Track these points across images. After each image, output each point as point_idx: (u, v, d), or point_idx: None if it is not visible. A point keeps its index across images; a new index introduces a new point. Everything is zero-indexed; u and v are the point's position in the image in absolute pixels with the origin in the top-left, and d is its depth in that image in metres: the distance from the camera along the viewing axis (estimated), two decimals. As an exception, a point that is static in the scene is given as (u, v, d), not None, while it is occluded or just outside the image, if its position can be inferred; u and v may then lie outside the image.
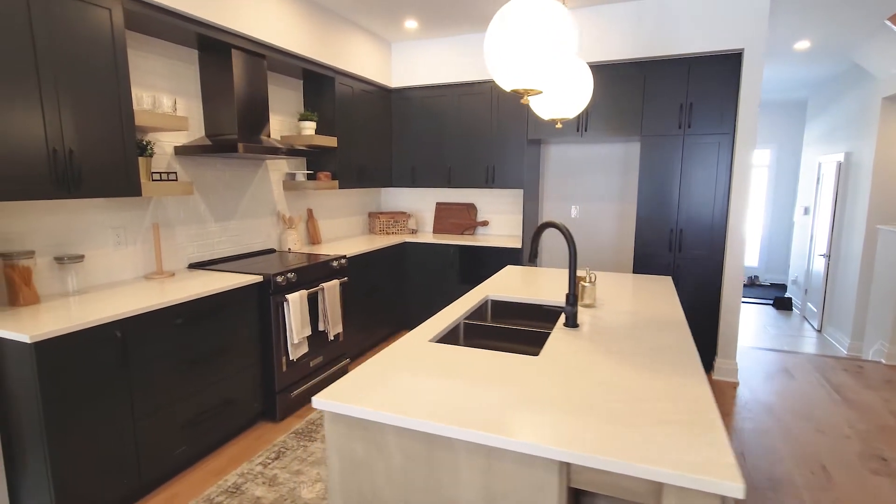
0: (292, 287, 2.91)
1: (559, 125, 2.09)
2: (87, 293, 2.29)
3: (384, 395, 1.22)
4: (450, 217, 4.80)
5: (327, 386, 3.45)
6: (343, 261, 3.37)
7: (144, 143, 2.46)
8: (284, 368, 2.87)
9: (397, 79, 4.55)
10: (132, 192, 2.29)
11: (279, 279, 2.77)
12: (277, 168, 3.63)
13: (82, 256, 2.31)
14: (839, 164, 5.39)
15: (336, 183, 3.81)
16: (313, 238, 4.02)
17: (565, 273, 2.76)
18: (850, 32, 4.18)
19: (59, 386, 1.81)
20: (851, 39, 4.36)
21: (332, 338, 3.19)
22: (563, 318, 1.87)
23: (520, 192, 4.57)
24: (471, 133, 4.34)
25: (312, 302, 3.04)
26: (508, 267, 2.97)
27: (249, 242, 3.43)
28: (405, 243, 4.42)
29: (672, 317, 1.92)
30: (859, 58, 4.68)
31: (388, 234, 4.75)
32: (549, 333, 1.85)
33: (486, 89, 4.23)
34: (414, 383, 1.29)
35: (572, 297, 1.76)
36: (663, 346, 1.58)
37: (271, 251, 3.56)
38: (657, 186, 3.57)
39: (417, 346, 1.59)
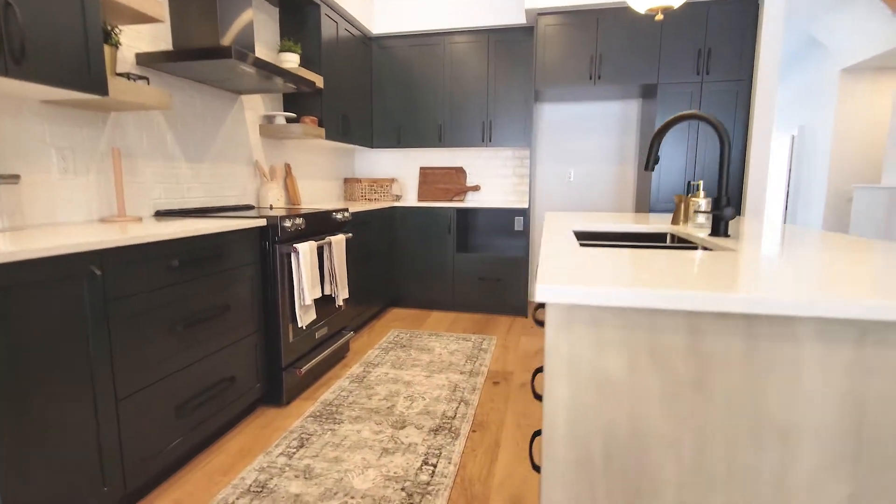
0: (301, 236, 2.34)
1: (660, 17, 1.78)
2: (25, 231, 1.59)
3: (635, 277, 0.81)
4: (437, 182, 4.37)
5: (336, 363, 2.89)
6: (347, 213, 2.83)
7: (109, 27, 1.79)
8: (291, 338, 2.29)
9: (379, 24, 4.04)
10: (95, 86, 1.63)
11: (287, 224, 2.19)
12: (252, 107, 3.00)
13: (17, 177, 1.61)
14: (793, 139, 5.71)
15: (322, 131, 3.24)
16: (292, 198, 3.40)
17: (612, 214, 2.46)
18: (815, 3, 4.37)
19: (11, 343, 1.16)
20: (814, 12, 4.57)
21: (340, 304, 2.64)
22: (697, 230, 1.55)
23: (516, 152, 4.26)
24: (464, 86, 3.95)
25: (318, 259, 2.48)
26: (549, 213, 2.63)
27: (223, 194, 2.77)
28: (395, 208, 3.92)
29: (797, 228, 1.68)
30: (818, 31, 4.95)
31: (369, 200, 4.21)
32: (692, 246, 1.52)
33: (481, 38, 3.87)
34: (649, 271, 0.89)
35: (726, 199, 1.45)
36: (845, 244, 1.31)
37: (250, 207, 2.92)
38: (674, 136, 3.42)
39: (573, 247, 1.18)
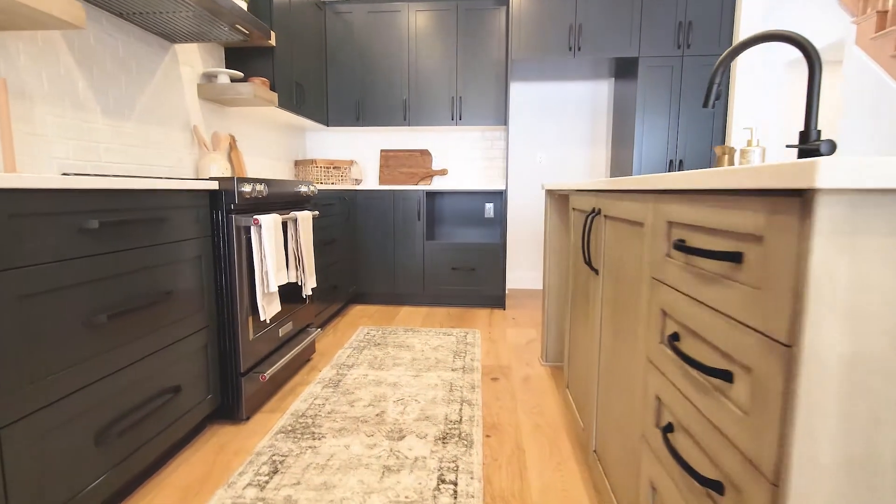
0: (263, 207, 1.88)
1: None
2: None
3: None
4: (400, 166, 3.98)
5: (302, 366, 2.36)
6: (313, 188, 2.38)
7: None
8: (252, 335, 1.81)
9: (334, -13, 3.61)
10: (-36, -31, 1.11)
11: (246, 189, 1.73)
12: (189, 62, 2.47)
13: None
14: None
15: (275, 97, 2.76)
16: (238, 175, 2.87)
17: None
18: (770, -6, 4.48)
19: None
20: (769, 4, 4.70)
21: (308, 294, 2.19)
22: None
23: (486, 133, 3.96)
24: (431, 60, 3.61)
25: (283, 237, 2.02)
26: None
27: (154, 162, 2.23)
28: (357, 191, 3.49)
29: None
30: (768, 25, 5.11)
31: (324, 185, 3.74)
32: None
33: (449, 6, 3.55)
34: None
35: (816, 133, 1.21)
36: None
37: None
38: (656, 111, 3.28)
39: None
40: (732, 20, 3.16)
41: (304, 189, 2.26)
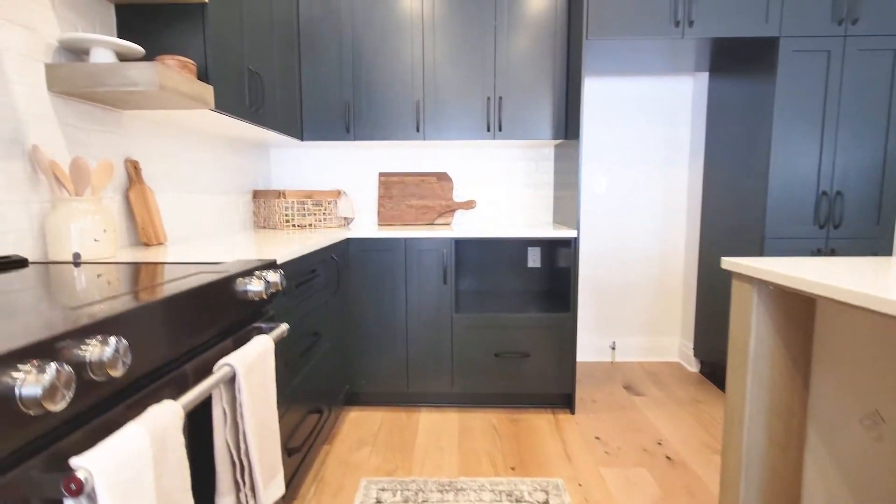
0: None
1: None
2: None
3: None
4: (408, 196, 2.78)
5: None
6: (274, 275, 1.15)
7: None
8: None
9: (309, -68, 2.41)
10: None
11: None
12: (20, 17, 1.23)
13: None
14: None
15: (209, 92, 1.53)
16: (145, 230, 1.63)
17: None
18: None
19: None
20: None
21: (265, 529, 0.97)
22: None
23: (528, 151, 2.81)
24: (455, 43, 2.44)
25: (199, 428, 0.80)
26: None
27: None
28: (349, 241, 2.28)
29: None
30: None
31: (299, 227, 2.51)
32: None
33: (482, -36, 2.40)
34: None
35: None
36: None
37: (20, 261, 1.13)
38: (802, 118, 2.19)
39: None
40: (919, -17, 2.12)
41: (253, 286, 1.03)
